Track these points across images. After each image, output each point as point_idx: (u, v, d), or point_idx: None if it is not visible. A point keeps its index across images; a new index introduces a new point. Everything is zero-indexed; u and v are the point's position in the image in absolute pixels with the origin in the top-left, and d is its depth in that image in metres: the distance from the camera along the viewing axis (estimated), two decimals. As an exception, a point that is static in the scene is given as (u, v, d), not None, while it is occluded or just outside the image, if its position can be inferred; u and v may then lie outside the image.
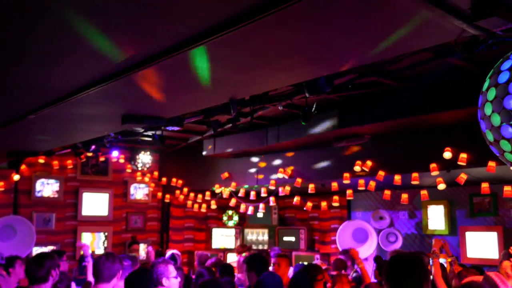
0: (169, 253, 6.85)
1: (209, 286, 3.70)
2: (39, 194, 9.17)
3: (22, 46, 3.33)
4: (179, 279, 4.25)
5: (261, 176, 8.30)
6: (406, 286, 2.46)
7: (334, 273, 6.08)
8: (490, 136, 2.82)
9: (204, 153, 8.80)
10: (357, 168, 6.68)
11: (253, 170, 8.47)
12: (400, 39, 3.17)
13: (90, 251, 5.68)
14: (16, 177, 8.79)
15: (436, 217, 8.08)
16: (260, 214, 9.93)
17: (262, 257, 5.19)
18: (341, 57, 3.64)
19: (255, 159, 8.48)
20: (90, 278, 5.15)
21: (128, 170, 10.01)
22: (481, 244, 7.48)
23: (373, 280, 6.01)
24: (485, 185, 6.35)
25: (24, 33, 3.06)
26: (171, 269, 4.11)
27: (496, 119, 2.70)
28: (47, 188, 9.27)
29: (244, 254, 7.63)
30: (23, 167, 8.95)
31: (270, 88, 4.89)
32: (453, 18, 2.60)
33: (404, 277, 2.48)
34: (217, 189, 9.00)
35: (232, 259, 9.25)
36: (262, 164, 8.33)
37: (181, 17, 2.79)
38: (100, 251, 9.41)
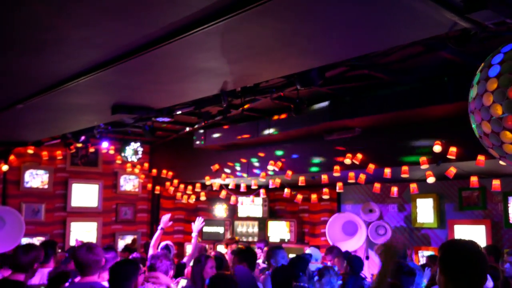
0: (163, 244, 6.80)
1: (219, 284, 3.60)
2: (28, 185, 9.10)
3: (9, 34, 3.28)
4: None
5: (251, 168, 8.30)
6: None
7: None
8: (479, 130, 2.84)
9: (196, 143, 8.77)
10: (347, 161, 6.70)
11: (243, 162, 8.46)
12: (392, 31, 3.16)
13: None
14: (4, 167, 8.72)
15: (425, 210, 8.14)
16: (250, 206, 9.97)
17: (251, 249, 5.26)
18: (332, 49, 3.63)
19: (245, 151, 8.46)
20: None
21: (118, 161, 9.96)
22: (469, 237, 7.51)
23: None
24: (474, 179, 6.39)
25: (11, 20, 3.02)
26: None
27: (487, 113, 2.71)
28: (36, 178, 9.21)
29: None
30: (12, 157, 8.87)
31: (262, 79, 4.88)
32: (445, 10, 2.60)
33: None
34: (207, 181, 8.99)
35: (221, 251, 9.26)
36: (253, 157, 8.33)
37: (172, 6, 2.77)
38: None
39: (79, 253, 3.73)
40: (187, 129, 8.48)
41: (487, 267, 2.38)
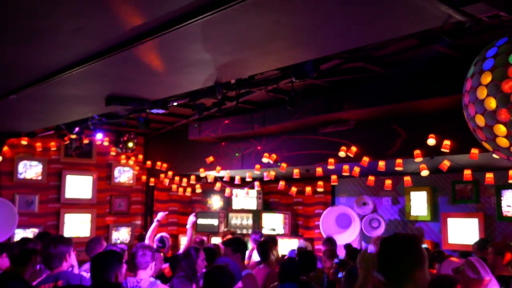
0: (158, 236, 6.81)
1: (215, 273, 3.63)
2: (21, 176, 9.07)
3: (1, 23, 3.25)
4: None
5: (246, 161, 8.30)
6: (397, 270, 2.30)
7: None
8: (474, 123, 2.85)
9: (190, 136, 8.76)
10: (341, 154, 6.71)
11: (238, 154, 8.46)
12: (387, 24, 3.16)
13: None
14: (-2, 158, 8.69)
15: (418, 203, 8.18)
16: (244, 199, 9.97)
17: (242, 239, 5.28)
18: (327, 41, 3.62)
19: (240, 144, 8.46)
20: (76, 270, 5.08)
21: (113, 153, 9.94)
22: (462, 230, 7.59)
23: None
24: (467, 172, 6.42)
25: (3, 10, 2.99)
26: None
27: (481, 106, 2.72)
28: (30, 170, 9.17)
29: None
30: (5, 148, 8.83)
31: (256, 71, 4.87)
32: (440, 3, 2.59)
33: (395, 261, 2.32)
34: (202, 173, 8.99)
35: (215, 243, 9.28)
36: (247, 149, 8.33)
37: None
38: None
39: (43, 245, 3.83)
40: (182, 121, 8.46)
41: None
